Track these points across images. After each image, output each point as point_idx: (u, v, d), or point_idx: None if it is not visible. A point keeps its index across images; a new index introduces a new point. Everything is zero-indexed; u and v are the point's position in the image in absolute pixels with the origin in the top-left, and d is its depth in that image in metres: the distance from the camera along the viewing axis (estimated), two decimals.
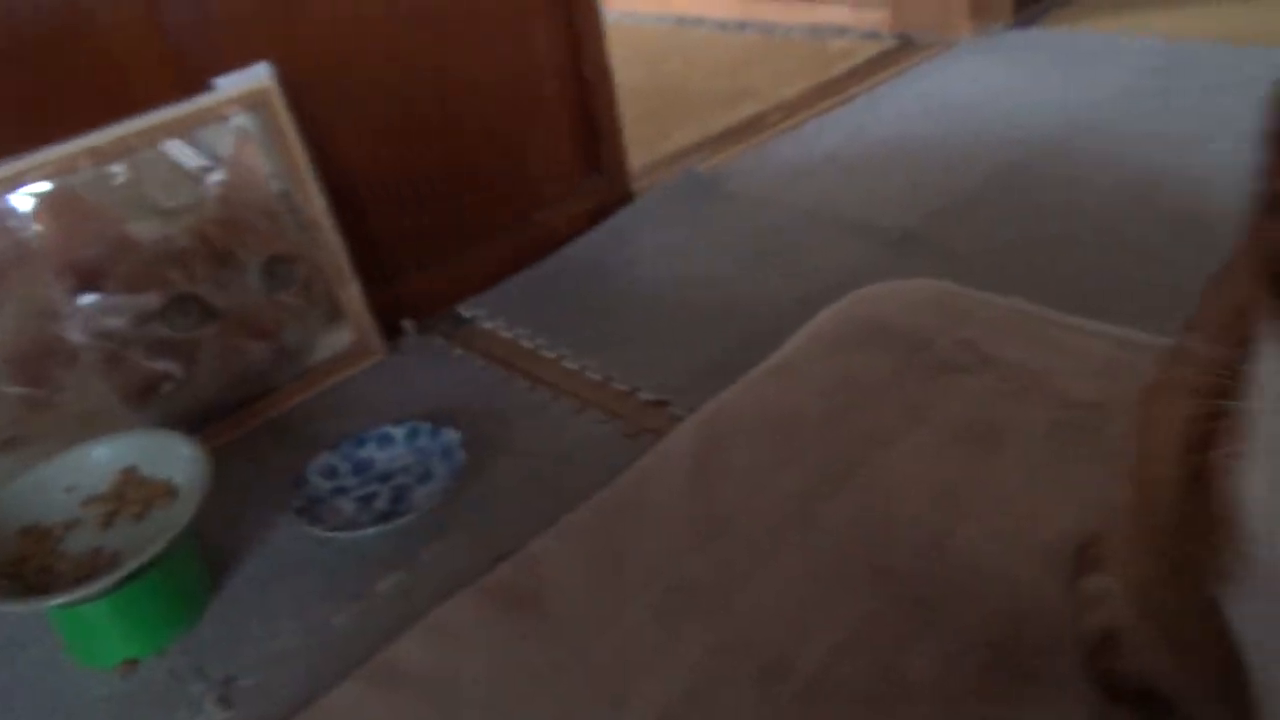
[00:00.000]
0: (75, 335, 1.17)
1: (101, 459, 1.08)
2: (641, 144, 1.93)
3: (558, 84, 1.61)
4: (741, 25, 2.84)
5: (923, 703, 0.78)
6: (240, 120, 1.25)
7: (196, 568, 1.04)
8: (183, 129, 1.22)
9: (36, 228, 1.14)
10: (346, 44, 1.35)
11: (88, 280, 1.17)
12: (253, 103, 1.25)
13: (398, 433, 1.20)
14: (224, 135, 1.24)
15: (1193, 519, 0.53)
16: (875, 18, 2.56)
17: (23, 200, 1.13)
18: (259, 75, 1.26)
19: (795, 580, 0.94)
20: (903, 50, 2.42)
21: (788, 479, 1.05)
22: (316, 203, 1.30)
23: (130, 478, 1.07)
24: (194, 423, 1.23)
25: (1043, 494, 0.96)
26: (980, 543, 0.93)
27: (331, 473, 1.17)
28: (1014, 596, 0.87)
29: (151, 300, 1.20)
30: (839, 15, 2.65)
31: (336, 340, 1.37)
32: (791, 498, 1.03)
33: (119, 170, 1.18)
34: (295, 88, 1.28)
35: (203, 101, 1.23)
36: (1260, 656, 0.49)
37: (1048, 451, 1.01)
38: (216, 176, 1.24)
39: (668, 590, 0.96)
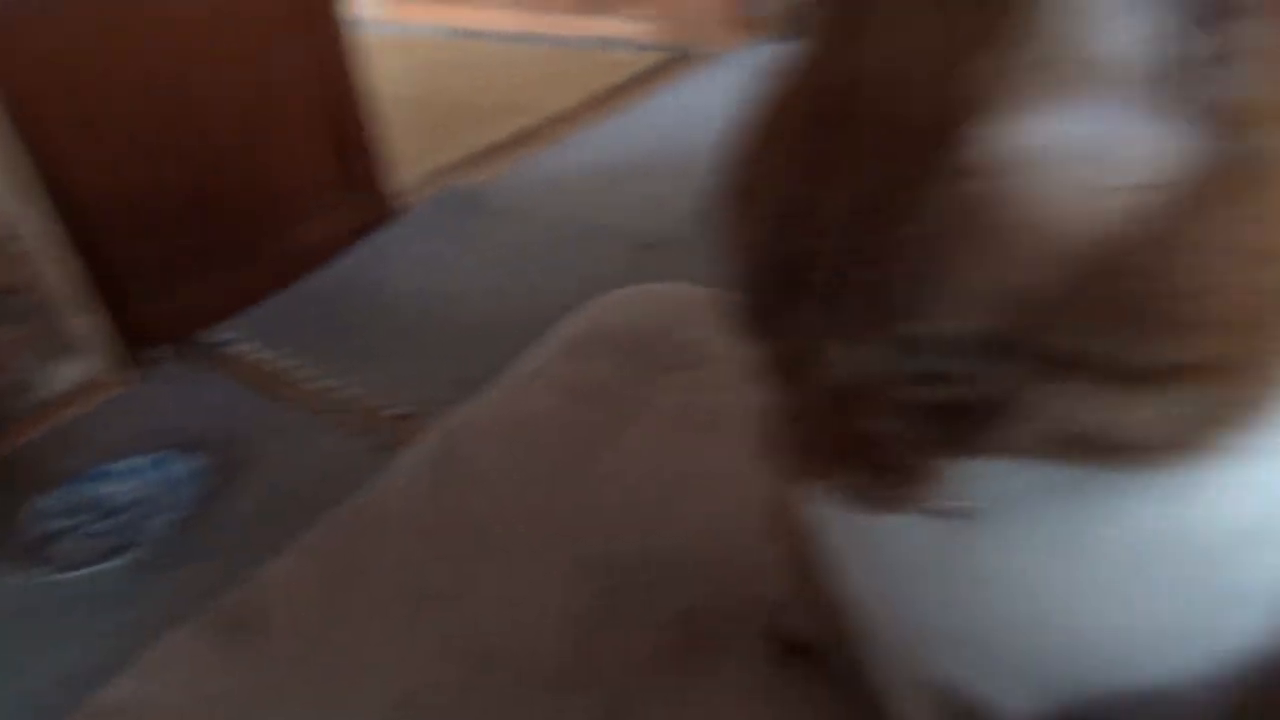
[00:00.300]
0: None
1: None
2: (413, 159, 1.94)
3: (306, 100, 1.60)
4: (520, 38, 2.88)
5: (611, 684, 0.84)
6: None
7: None
8: None
9: None
10: (81, 61, 1.30)
11: None
12: None
13: (137, 464, 1.17)
14: None
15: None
16: (650, 30, 2.66)
17: None
18: None
19: (523, 575, 0.98)
20: (676, 62, 2.52)
21: (524, 481, 1.09)
22: (43, 230, 1.26)
23: None
24: None
25: (753, 476, 1.04)
26: (695, 525, 1.00)
27: (60, 511, 1.13)
28: (719, 574, 0.94)
29: None
30: (616, 28, 2.73)
31: (72, 372, 1.32)
32: (526, 498, 1.07)
33: None
34: (20, 108, 1.23)
35: None
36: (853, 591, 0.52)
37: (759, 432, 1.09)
38: None
39: (402, 597, 0.98)
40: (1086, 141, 0.26)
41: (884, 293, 0.28)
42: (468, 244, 1.72)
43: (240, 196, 1.56)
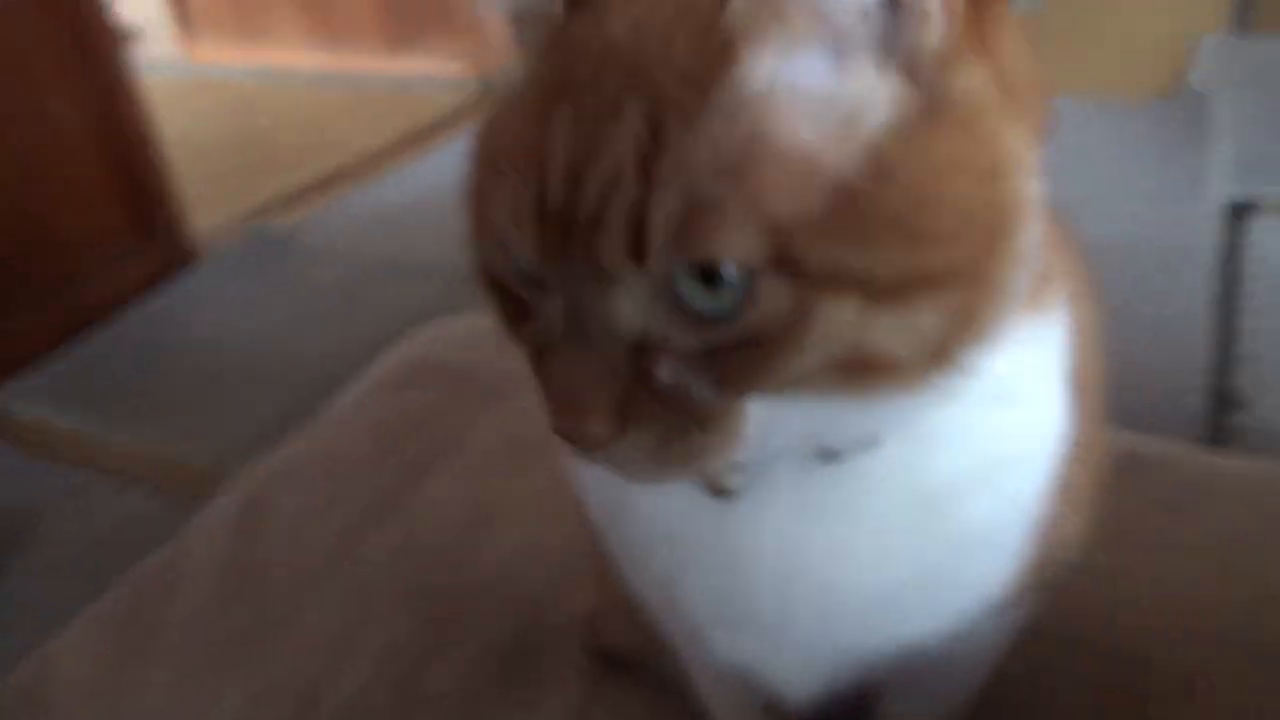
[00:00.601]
0: None
1: None
2: (216, 203, 1.87)
3: (89, 149, 1.52)
4: (331, 77, 2.83)
5: (440, 712, 0.83)
6: None
7: None
8: None
9: None
10: None
11: None
12: None
13: None
14: None
15: None
16: (459, 67, 2.67)
17: None
18: None
19: (335, 615, 0.95)
20: (485, 98, 2.53)
21: (333, 521, 1.06)
22: None
23: None
24: None
25: (569, 500, 1.05)
26: (513, 551, 1.00)
27: None
28: (540, 597, 0.94)
29: None
30: (424, 66, 2.72)
31: None
32: (335, 538, 1.04)
33: None
34: None
35: None
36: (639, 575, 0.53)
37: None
38: None
39: (209, 656, 0.93)
40: (824, 83, 0.30)
41: (657, 226, 0.30)
42: (275, 287, 1.66)
43: (19, 250, 1.46)
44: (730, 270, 0.30)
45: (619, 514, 0.45)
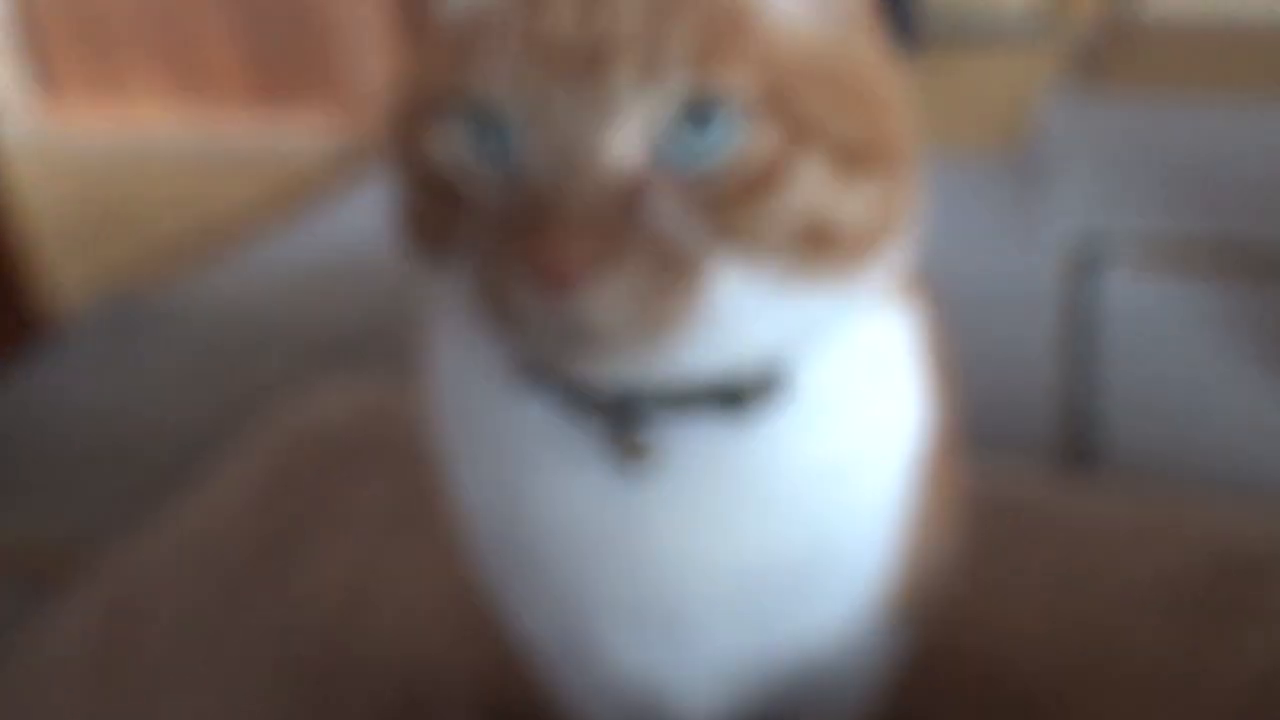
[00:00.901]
0: None
1: None
2: (78, 269, 1.80)
3: None
4: (195, 138, 2.76)
5: None
6: None
7: None
8: None
9: None
10: None
11: None
12: None
13: None
14: None
15: None
16: (332, 128, 2.65)
17: None
18: None
19: (216, 699, 0.92)
20: (359, 161, 2.52)
21: (208, 602, 1.03)
22: None
23: None
24: None
25: (446, 564, 1.04)
26: (394, 621, 0.98)
27: None
28: (424, 664, 0.93)
29: None
30: (295, 128, 2.69)
31: None
32: (212, 620, 1.00)
33: None
34: None
35: None
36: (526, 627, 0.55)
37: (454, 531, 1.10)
38: None
39: None
40: None
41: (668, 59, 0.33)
42: (138, 356, 1.60)
43: None
44: (728, 104, 0.33)
45: (515, 519, 0.44)
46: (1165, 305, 1.54)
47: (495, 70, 0.33)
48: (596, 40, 0.32)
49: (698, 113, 0.33)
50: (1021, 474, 1.14)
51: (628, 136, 0.33)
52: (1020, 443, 1.24)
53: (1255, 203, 1.88)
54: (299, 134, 2.68)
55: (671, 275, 0.33)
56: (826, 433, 0.42)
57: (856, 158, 0.35)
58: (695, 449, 0.40)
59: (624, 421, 0.39)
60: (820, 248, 0.35)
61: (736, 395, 0.39)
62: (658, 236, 0.33)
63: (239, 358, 1.58)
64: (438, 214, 0.37)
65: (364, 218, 2.11)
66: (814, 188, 0.34)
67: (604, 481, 0.41)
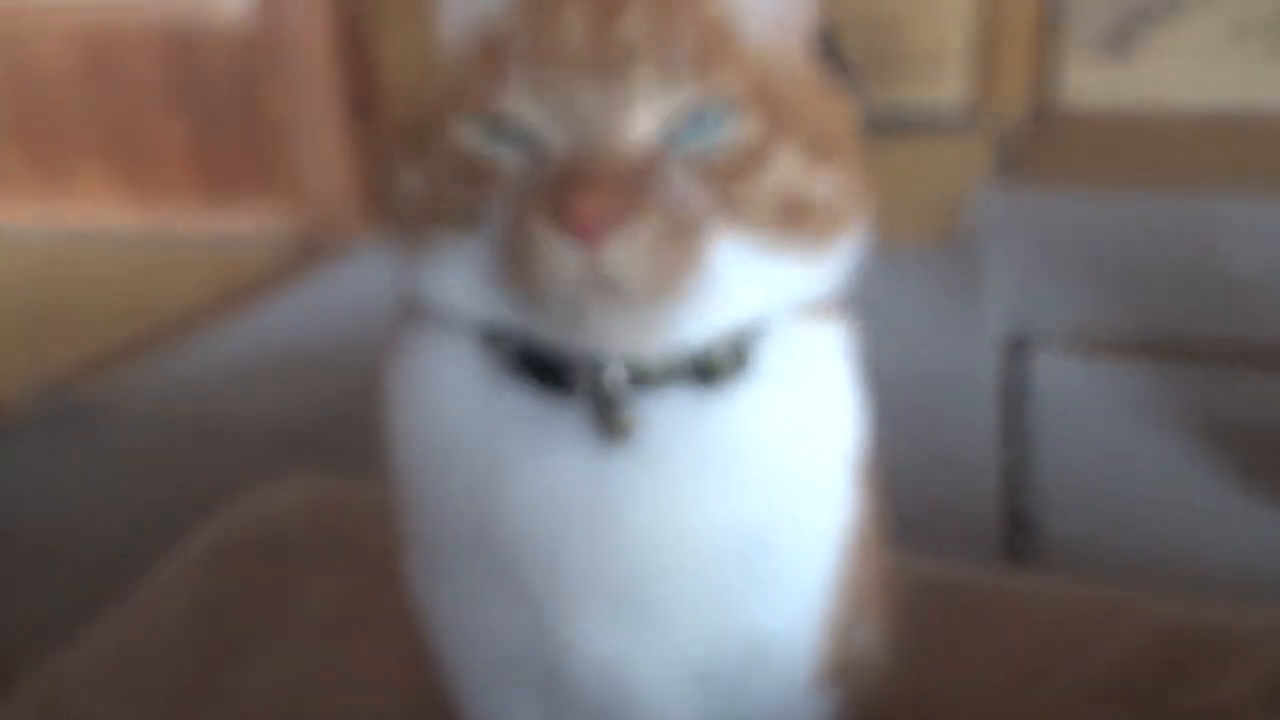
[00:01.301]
0: None
1: None
2: (18, 369, 1.77)
3: None
4: (145, 235, 2.75)
5: None
6: None
7: None
8: None
9: None
10: None
11: None
12: None
13: None
14: None
15: None
16: (279, 225, 2.66)
17: None
18: None
19: None
20: (306, 257, 2.53)
21: (144, 708, 0.99)
22: None
23: None
24: None
25: (398, 669, 1.02)
26: None
27: None
28: None
29: None
30: (244, 225, 2.70)
31: None
32: None
33: None
34: None
35: None
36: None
37: (406, 629, 1.08)
38: None
39: None
40: None
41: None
42: (81, 458, 1.57)
43: None
44: (723, 101, 0.40)
45: (488, 513, 0.46)
46: (1091, 385, 1.59)
47: (517, 82, 0.39)
48: (614, 49, 0.39)
49: (699, 107, 0.40)
50: (964, 564, 1.16)
51: (643, 123, 0.39)
52: (962, 513, 1.26)
53: (1170, 286, 1.97)
54: (247, 232, 2.69)
55: (682, 237, 0.39)
56: (783, 410, 0.46)
57: (820, 148, 0.42)
58: (669, 425, 0.44)
59: (608, 401, 0.43)
60: (797, 221, 0.42)
61: (710, 370, 0.44)
62: (670, 202, 0.39)
63: (181, 458, 1.56)
64: (466, 197, 0.41)
65: (312, 312, 2.12)
66: (791, 169, 0.41)
67: (581, 463, 0.44)
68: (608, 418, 0.43)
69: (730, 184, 0.40)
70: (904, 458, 1.55)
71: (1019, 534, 1.24)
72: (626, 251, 0.37)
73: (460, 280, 0.43)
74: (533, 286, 0.38)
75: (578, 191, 0.36)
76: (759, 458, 0.45)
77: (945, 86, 3.60)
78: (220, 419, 1.68)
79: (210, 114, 2.63)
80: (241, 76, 2.54)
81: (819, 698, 0.55)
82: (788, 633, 0.50)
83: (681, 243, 0.39)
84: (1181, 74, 3.41)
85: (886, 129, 3.50)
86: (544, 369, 0.44)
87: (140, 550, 1.31)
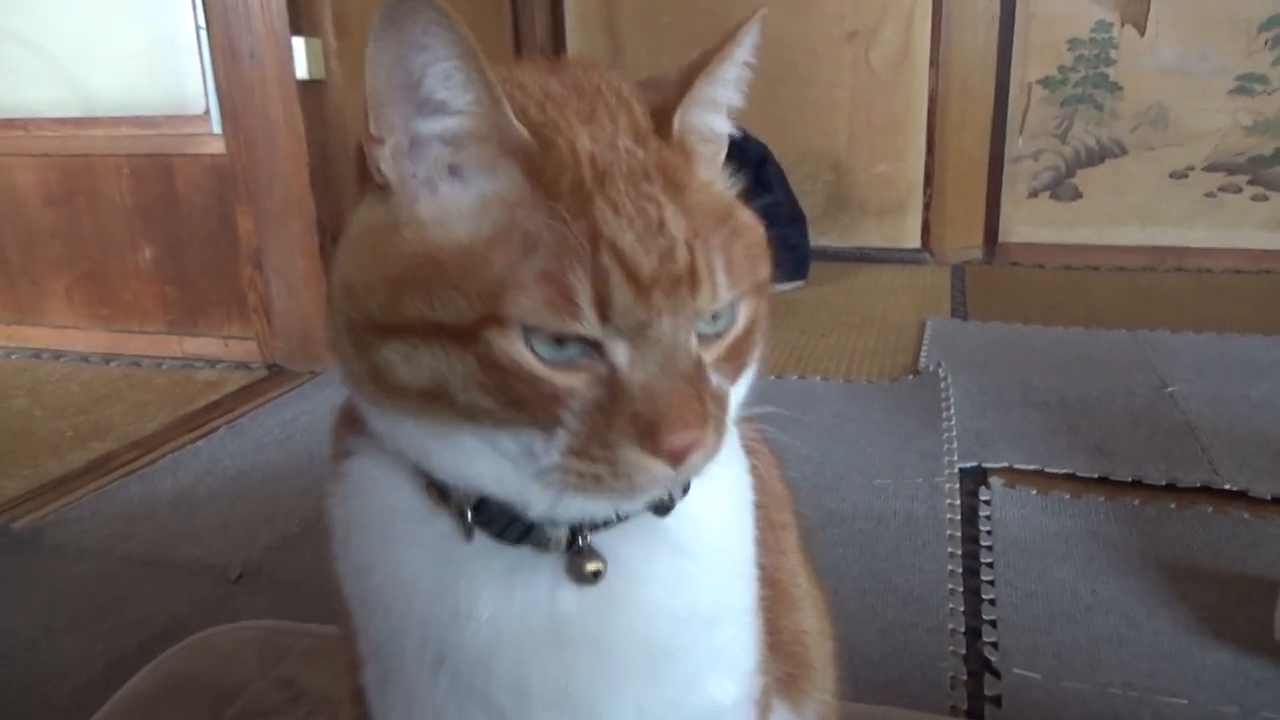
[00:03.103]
0: None
1: None
2: None
3: None
4: (107, 358, 2.73)
5: None
6: None
7: None
8: None
9: None
10: None
11: None
12: None
13: None
14: None
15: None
16: (246, 349, 2.65)
17: None
18: None
19: None
20: (271, 380, 2.52)
21: None
22: None
23: None
24: None
25: None
26: None
27: None
28: None
29: None
30: (210, 347, 2.69)
31: None
32: None
33: None
34: None
35: None
36: None
37: None
38: None
39: None
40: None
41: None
42: (18, 592, 1.51)
43: None
44: (741, 299, 0.47)
45: (455, 636, 0.50)
46: (1049, 519, 1.60)
47: (587, 307, 0.42)
48: (682, 280, 0.43)
49: (734, 304, 0.47)
50: (922, 712, 1.14)
51: (694, 333, 0.45)
52: (919, 652, 1.25)
53: (1121, 421, 2.01)
54: (211, 355, 2.68)
55: (723, 413, 0.46)
56: (711, 508, 0.53)
57: (763, 294, 0.50)
58: (630, 553, 0.50)
59: (582, 553, 0.49)
60: (750, 354, 0.50)
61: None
62: (714, 394, 0.45)
63: (125, 593, 1.50)
64: (509, 403, 0.43)
65: (273, 437, 2.09)
66: (760, 317, 0.49)
67: (546, 596, 0.49)
68: (581, 566, 0.48)
69: (739, 357, 0.48)
70: (867, 592, 1.54)
71: (981, 678, 1.23)
72: (700, 459, 0.44)
73: (473, 461, 0.46)
74: (609, 487, 0.43)
75: (669, 432, 0.42)
76: (702, 553, 0.53)
77: (901, 224, 3.73)
78: (163, 551, 1.64)
79: (180, 239, 2.65)
80: (213, 202, 2.58)
81: None
82: (732, 708, 0.56)
83: (724, 422, 0.46)
84: (1122, 213, 3.57)
85: (848, 264, 3.61)
86: (515, 528, 0.49)
87: (80, 691, 1.26)
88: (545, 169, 0.43)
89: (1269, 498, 1.63)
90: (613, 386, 0.42)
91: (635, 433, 0.42)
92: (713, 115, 0.50)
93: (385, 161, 0.44)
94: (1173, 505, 1.65)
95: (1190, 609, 1.34)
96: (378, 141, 0.44)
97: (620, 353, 0.42)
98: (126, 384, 2.55)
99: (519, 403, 0.42)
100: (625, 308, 0.41)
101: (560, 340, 0.42)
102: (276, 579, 1.52)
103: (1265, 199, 3.39)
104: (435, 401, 0.43)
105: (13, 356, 2.79)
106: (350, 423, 0.53)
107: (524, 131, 0.43)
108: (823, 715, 0.72)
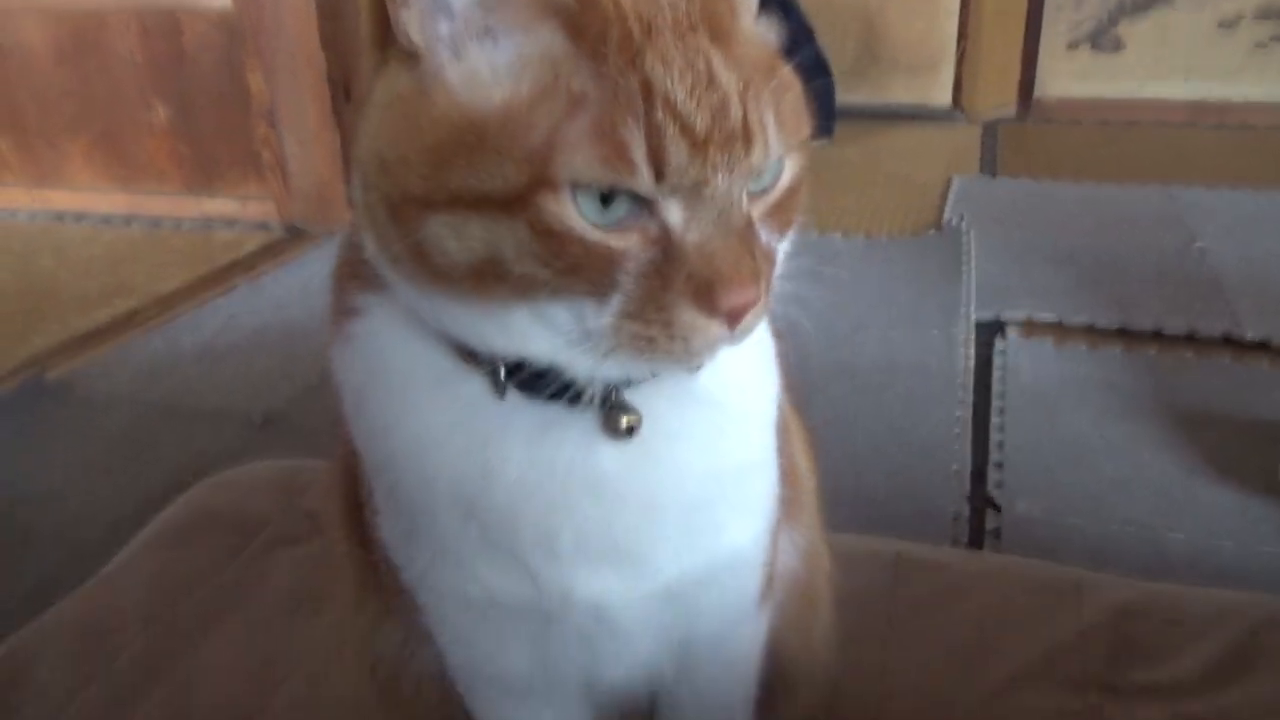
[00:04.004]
0: None
1: None
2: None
3: None
4: (127, 219, 2.75)
5: None
6: None
7: None
8: None
9: None
10: None
11: None
12: None
13: None
14: None
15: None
16: (263, 209, 2.65)
17: None
18: None
19: None
20: (290, 240, 2.52)
21: (95, 691, 1.00)
22: None
23: None
24: None
25: (352, 644, 1.02)
26: (288, 709, 0.96)
27: None
28: None
29: None
30: (228, 208, 2.69)
31: None
32: (97, 709, 0.97)
33: None
34: None
35: None
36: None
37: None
38: None
39: None
40: None
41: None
42: (54, 438, 1.57)
43: None
44: (788, 154, 0.45)
45: (485, 490, 0.50)
46: (1063, 370, 1.60)
47: (641, 165, 0.40)
48: (735, 136, 0.41)
49: (780, 161, 0.45)
50: (929, 544, 1.17)
51: (745, 189, 0.44)
52: (929, 494, 1.27)
53: (1145, 275, 1.98)
54: (229, 216, 2.69)
55: (771, 269, 0.45)
56: (738, 367, 0.53)
57: (803, 140, 0.47)
58: (661, 409, 0.50)
59: (617, 408, 0.49)
60: (794, 212, 0.49)
61: None
62: (767, 250, 0.45)
63: (154, 439, 1.56)
64: (564, 269, 0.42)
65: (290, 294, 2.12)
66: (803, 177, 0.47)
67: (580, 451, 0.49)
68: (616, 421, 0.49)
69: (785, 214, 0.47)
70: (877, 439, 1.57)
71: (982, 516, 1.25)
72: (754, 319, 0.44)
73: (521, 334, 0.45)
74: (665, 350, 0.43)
75: (726, 291, 0.42)
76: (733, 406, 0.53)
77: (932, 80, 3.60)
78: (189, 400, 1.69)
79: (192, 96, 2.62)
80: (223, 59, 2.53)
81: (758, 617, 0.63)
82: (752, 545, 0.58)
83: (772, 281, 0.46)
84: (1166, 66, 3.42)
85: (875, 121, 3.50)
86: (550, 386, 0.48)
87: (110, 527, 1.32)
88: (588, 24, 0.40)
89: None
90: (666, 247, 0.41)
91: (691, 293, 0.41)
92: None
93: (413, 25, 0.41)
94: (1190, 355, 1.64)
95: (1198, 452, 1.34)
96: (404, 4, 0.41)
97: (674, 212, 0.41)
98: (147, 244, 2.57)
99: (575, 269, 0.41)
100: (681, 165, 0.40)
101: (607, 201, 0.41)
102: (297, 425, 1.56)
103: None
104: (487, 277, 0.42)
105: (37, 219, 2.82)
106: (354, 277, 0.52)
107: None
108: (806, 548, 0.73)
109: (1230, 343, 1.67)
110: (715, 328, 0.42)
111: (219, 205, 2.70)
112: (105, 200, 2.80)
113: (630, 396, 0.49)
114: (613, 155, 0.39)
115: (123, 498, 1.40)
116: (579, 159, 0.39)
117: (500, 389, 0.48)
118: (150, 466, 1.47)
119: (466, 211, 0.41)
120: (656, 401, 0.49)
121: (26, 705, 0.98)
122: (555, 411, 0.48)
